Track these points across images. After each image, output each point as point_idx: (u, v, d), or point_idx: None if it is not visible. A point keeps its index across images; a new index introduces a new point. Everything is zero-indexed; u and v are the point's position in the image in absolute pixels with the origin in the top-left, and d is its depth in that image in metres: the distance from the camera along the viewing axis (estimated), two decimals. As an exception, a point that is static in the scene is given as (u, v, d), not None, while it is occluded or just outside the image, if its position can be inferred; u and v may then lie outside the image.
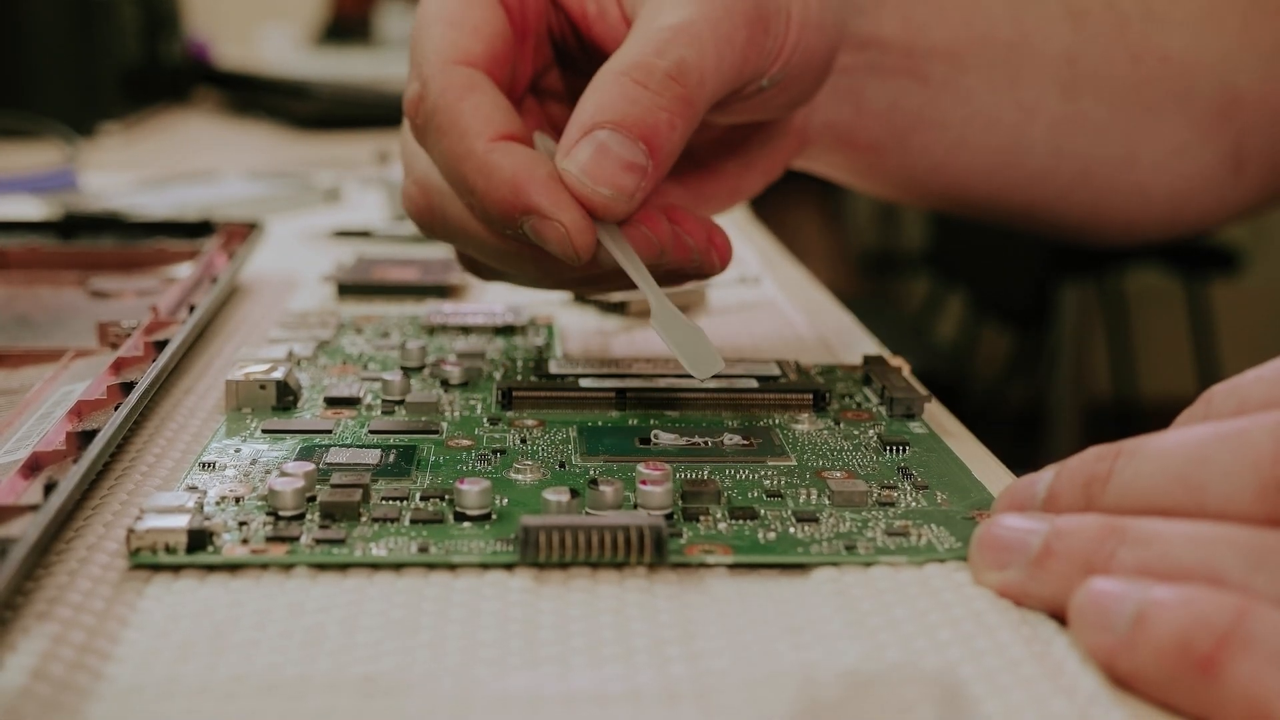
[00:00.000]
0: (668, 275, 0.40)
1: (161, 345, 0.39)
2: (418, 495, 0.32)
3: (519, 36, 0.40)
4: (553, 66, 0.43)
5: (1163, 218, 0.52)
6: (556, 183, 0.36)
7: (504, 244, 0.40)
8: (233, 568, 0.29)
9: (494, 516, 0.31)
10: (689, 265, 0.40)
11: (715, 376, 0.40)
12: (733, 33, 0.37)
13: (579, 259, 0.36)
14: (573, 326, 0.50)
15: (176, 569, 0.29)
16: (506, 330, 0.48)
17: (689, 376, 0.40)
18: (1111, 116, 0.49)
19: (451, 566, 0.29)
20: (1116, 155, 0.50)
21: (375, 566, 0.29)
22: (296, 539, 0.29)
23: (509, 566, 0.29)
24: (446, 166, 0.38)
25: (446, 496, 0.32)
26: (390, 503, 0.32)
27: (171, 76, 1.26)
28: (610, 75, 0.36)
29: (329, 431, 0.37)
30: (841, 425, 0.38)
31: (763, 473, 0.34)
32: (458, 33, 0.38)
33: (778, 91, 0.40)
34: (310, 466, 0.32)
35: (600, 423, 0.38)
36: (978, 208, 0.53)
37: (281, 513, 0.31)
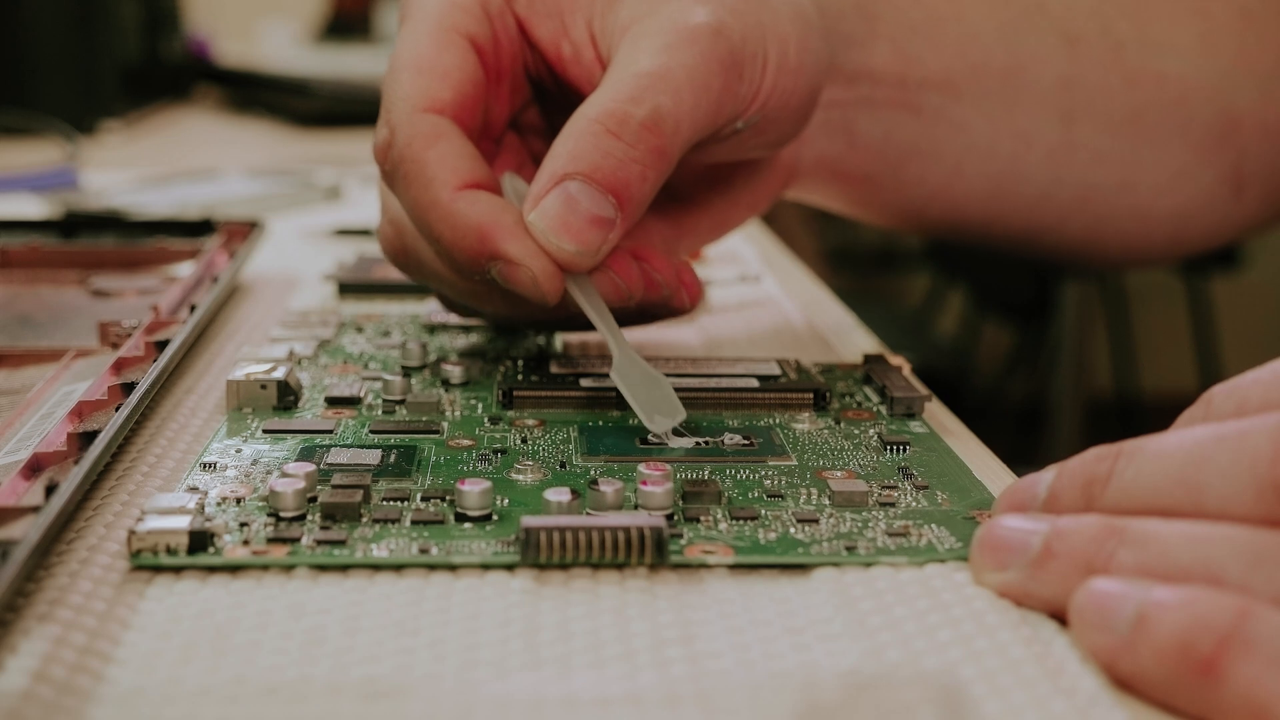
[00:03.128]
0: (638, 314, 0.40)
1: (162, 345, 0.39)
2: (419, 496, 0.32)
3: (493, 79, 0.40)
4: (532, 103, 0.43)
5: (1163, 240, 0.52)
6: (523, 229, 0.36)
7: (472, 287, 0.40)
8: (234, 569, 0.29)
9: (495, 517, 0.31)
10: (659, 305, 0.40)
11: (715, 376, 0.40)
12: (709, 79, 0.37)
13: (548, 303, 0.36)
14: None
15: (178, 570, 0.29)
16: (507, 329, 0.48)
17: (689, 375, 0.40)
18: (1109, 142, 0.49)
19: (452, 567, 0.29)
20: (1115, 180, 0.50)
21: (376, 568, 0.29)
22: (297, 540, 0.29)
23: (510, 567, 0.29)
24: (413, 214, 0.38)
25: (447, 497, 0.32)
26: (391, 503, 0.32)
27: (172, 74, 1.26)
28: (584, 122, 0.36)
29: (330, 432, 0.37)
30: (842, 424, 0.38)
31: (763, 472, 0.34)
32: (426, 79, 0.38)
33: (754, 134, 0.40)
34: (311, 467, 0.32)
35: (601, 422, 0.38)
36: (975, 235, 0.53)
37: (282, 514, 0.31)
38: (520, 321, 0.44)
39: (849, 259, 2.36)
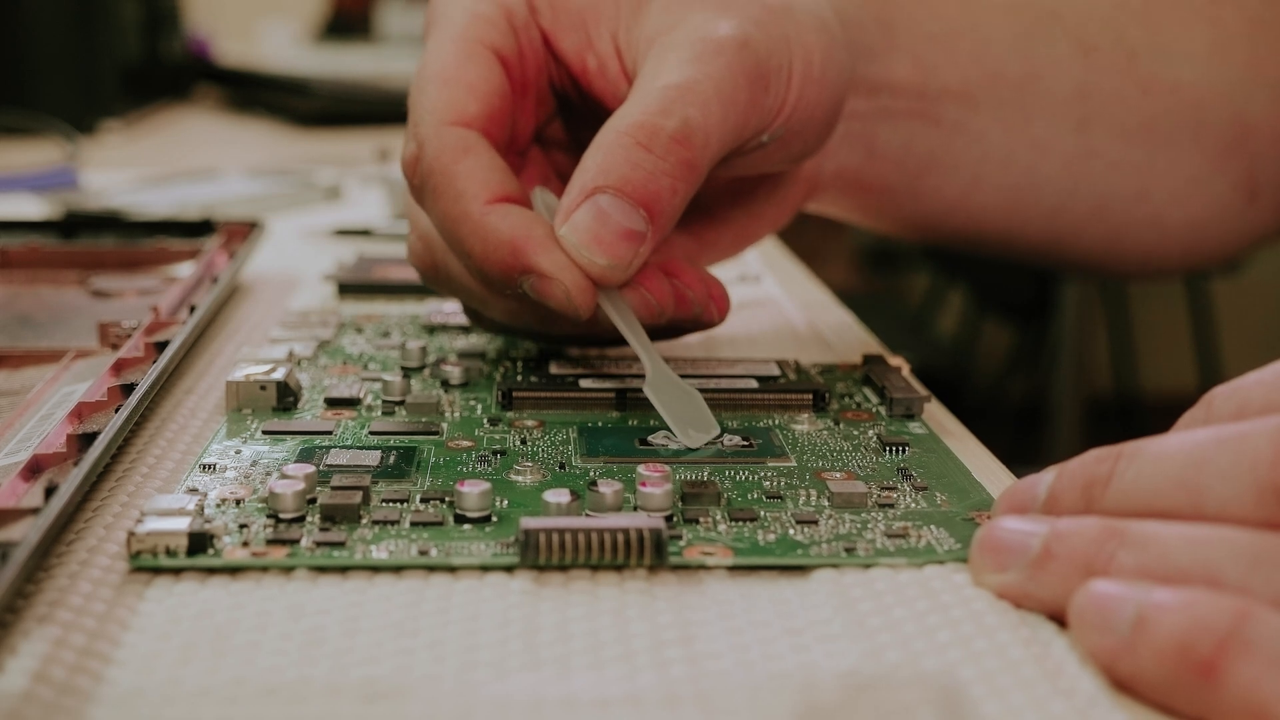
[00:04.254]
0: (667, 329, 0.40)
1: (162, 346, 0.39)
2: (418, 497, 0.32)
3: (519, 91, 0.40)
4: (556, 116, 0.43)
5: (1179, 249, 0.52)
6: (554, 243, 0.36)
7: (503, 302, 0.40)
8: (233, 570, 0.29)
9: (494, 519, 0.31)
10: (688, 319, 0.40)
11: (715, 377, 0.40)
12: (736, 92, 0.37)
13: (581, 316, 0.36)
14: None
15: (177, 572, 0.29)
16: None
17: (688, 376, 0.40)
18: (1124, 150, 0.49)
19: (452, 569, 0.29)
20: (1131, 189, 0.50)
21: (375, 569, 0.29)
22: (297, 542, 0.29)
23: (509, 569, 0.29)
24: (443, 228, 0.38)
25: (447, 499, 0.32)
26: (390, 505, 0.32)
27: (172, 73, 1.26)
28: (614, 135, 0.36)
29: (329, 433, 0.37)
30: (841, 425, 0.38)
31: (762, 474, 0.34)
32: (454, 92, 0.38)
33: (778, 147, 0.40)
34: (310, 469, 0.32)
35: (600, 423, 0.38)
36: (992, 245, 0.53)
37: (282, 515, 0.31)
38: (551, 337, 0.44)
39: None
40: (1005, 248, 0.53)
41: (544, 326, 0.41)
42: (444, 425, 0.37)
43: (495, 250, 0.36)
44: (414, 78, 0.39)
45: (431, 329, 0.48)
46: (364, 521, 0.31)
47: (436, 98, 0.38)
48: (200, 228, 0.57)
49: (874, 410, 0.39)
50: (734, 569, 0.29)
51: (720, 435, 0.36)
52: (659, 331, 0.40)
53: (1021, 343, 2.11)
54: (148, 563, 0.29)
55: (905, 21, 0.46)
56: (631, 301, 0.37)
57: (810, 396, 0.39)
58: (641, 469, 0.33)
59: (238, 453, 0.35)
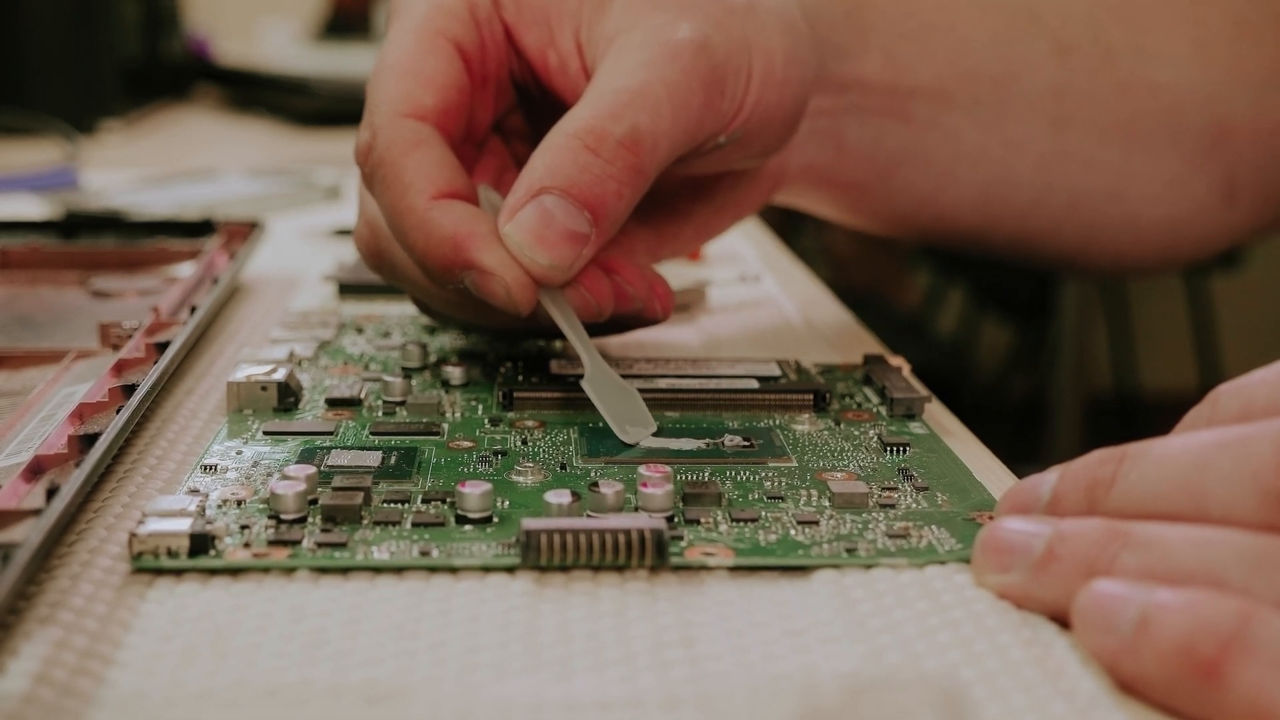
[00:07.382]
0: (610, 324, 0.40)
1: (163, 346, 0.39)
2: (419, 498, 0.32)
3: (478, 84, 0.40)
4: (517, 108, 0.43)
5: (1155, 249, 0.52)
6: (497, 240, 0.36)
7: (445, 293, 0.40)
8: (235, 571, 0.29)
9: (495, 519, 0.31)
10: (630, 316, 0.40)
11: (715, 377, 0.40)
12: (689, 97, 0.37)
13: (521, 313, 0.36)
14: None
15: (179, 573, 0.29)
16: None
17: (690, 376, 0.40)
18: (1101, 150, 0.49)
19: (453, 570, 0.29)
20: (1106, 188, 0.50)
21: (377, 570, 0.29)
22: (298, 543, 0.30)
23: (511, 570, 0.29)
24: (389, 220, 0.38)
25: (448, 499, 0.32)
26: (392, 506, 0.32)
27: (172, 73, 1.26)
28: (562, 137, 0.36)
29: (330, 433, 0.37)
30: (842, 426, 0.38)
31: (763, 474, 0.34)
32: (411, 84, 0.38)
33: (737, 147, 0.40)
34: (312, 470, 0.32)
35: (601, 424, 0.38)
36: (965, 241, 0.53)
37: (283, 516, 0.31)
38: (491, 330, 0.44)
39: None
40: (978, 244, 0.53)
41: (484, 319, 0.41)
42: (445, 426, 0.37)
43: (437, 245, 0.36)
44: (374, 66, 0.39)
45: (432, 329, 0.48)
46: (365, 522, 0.31)
47: (394, 88, 0.38)
48: (200, 228, 0.57)
49: (875, 410, 0.39)
50: (735, 570, 0.29)
51: (657, 432, 0.36)
52: (603, 327, 0.40)
53: (1021, 342, 2.11)
54: (149, 564, 0.29)
55: (879, 19, 0.46)
56: (571, 300, 0.38)
57: (811, 396, 0.39)
58: (642, 469, 0.33)
59: (239, 453, 0.35)
